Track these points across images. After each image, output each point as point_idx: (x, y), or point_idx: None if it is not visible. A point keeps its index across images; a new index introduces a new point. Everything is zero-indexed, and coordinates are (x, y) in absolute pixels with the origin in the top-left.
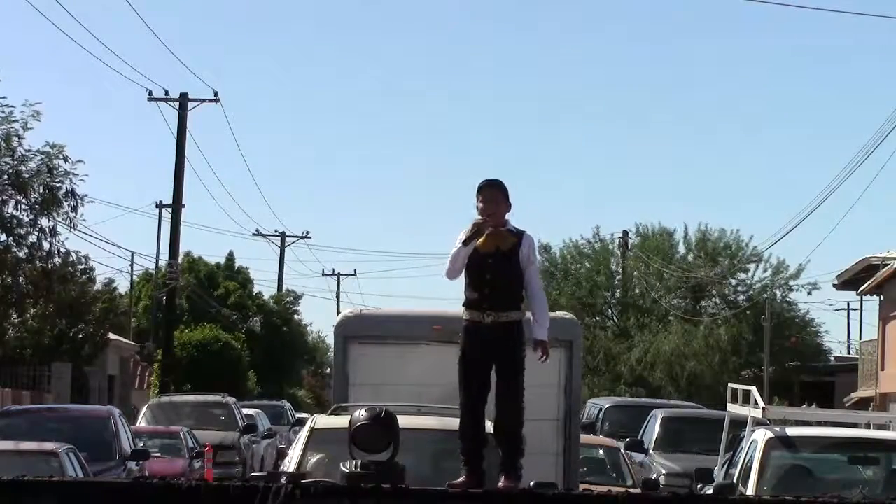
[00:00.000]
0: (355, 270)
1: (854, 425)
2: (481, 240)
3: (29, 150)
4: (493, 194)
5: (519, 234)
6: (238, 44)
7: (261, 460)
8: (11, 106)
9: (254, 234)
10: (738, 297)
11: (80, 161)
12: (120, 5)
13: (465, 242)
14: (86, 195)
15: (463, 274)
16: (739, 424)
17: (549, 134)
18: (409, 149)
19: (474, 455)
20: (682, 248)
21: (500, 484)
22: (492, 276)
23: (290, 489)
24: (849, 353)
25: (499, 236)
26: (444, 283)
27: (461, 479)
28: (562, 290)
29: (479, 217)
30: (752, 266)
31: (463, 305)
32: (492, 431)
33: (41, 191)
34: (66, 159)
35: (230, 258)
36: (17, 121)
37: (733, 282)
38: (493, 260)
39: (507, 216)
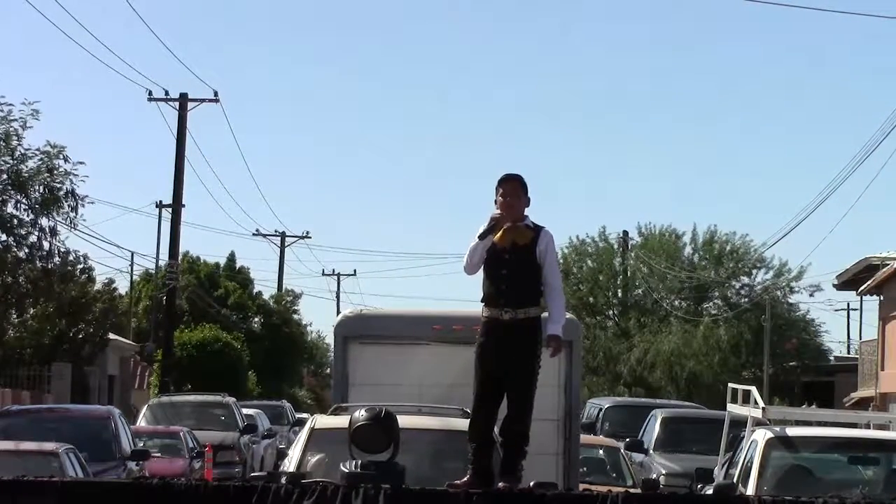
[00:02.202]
0: (355, 270)
1: (854, 425)
2: (498, 235)
3: (28, 150)
4: (514, 188)
5: (537, 230)
6: (238, 44)
7: (261, 460)
8: (10, 104)
9: (254, 234)
10: (740, 300)
11: (80, 162)
12: (120, 5)
13: (482, 236)
14: (86, 196)
15: (481, 270)
16: (739, 424)
17: (551, 133)
18: (409, 149)
19: (482, 455)
20: (688, 250)
21: (499, 484)
22: (508, 271)
23: (290, 489)
24: (849, 353)
25: (516, 231)
26: (444, 283)
27: (465, 479)
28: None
29: (497, 211)
30: (755, 270)
31: (481, 301)
32: (497, 430)
33: (41, 191)
34: (66, 160)
35: (231, 258)
36: (16, 120)
37: (736, 284)
38: (510, 255)
39: (526, 212)
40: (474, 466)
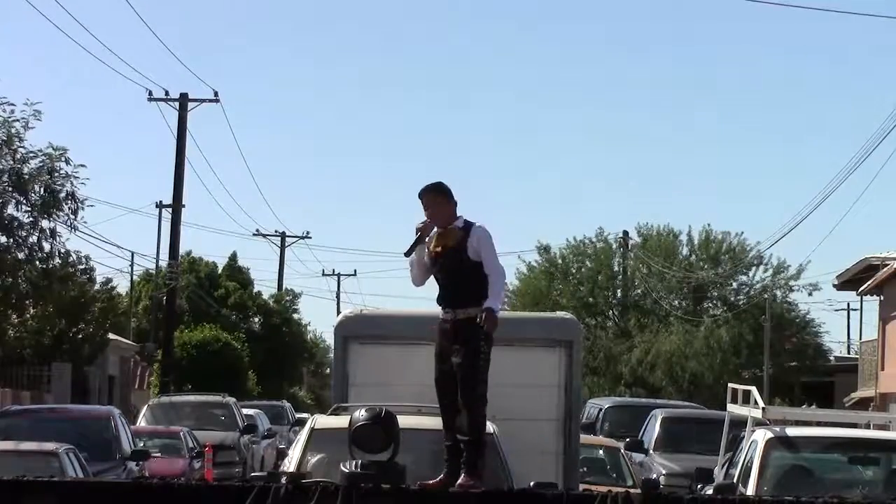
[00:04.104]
0: (355, 270)
1: (854, 425)
2: (432, 242)
3: (29, 152)
4: (431, 198)
5: (467, 228)
6: (238, 44)
7: (261, 460)
8: (12, 104)
9: (254, 234)
10: (738, 299)
11: (81, 165)
12: (120, 5)
13: (407, 253)
14: (86, 198)
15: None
16: (739, 424)
17: (551, 134)
18: (409, 149)
19: (452, 454)
20: (685, 250)
21: (459, 481)
22: (443, 274)
23: (289, 489)
24: (849, 353)
25: (446, 234)
26: None
27: (438, 479)
28: (563, 291)
29: (419, 222)
30: (753, 268)
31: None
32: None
33: (41, 192)
34: (67, 161)
35: (233, 258)
36: (17, 121)
37: (734, 284)
38: (444, 258)
39: (459, 213)
40: (447, 466)
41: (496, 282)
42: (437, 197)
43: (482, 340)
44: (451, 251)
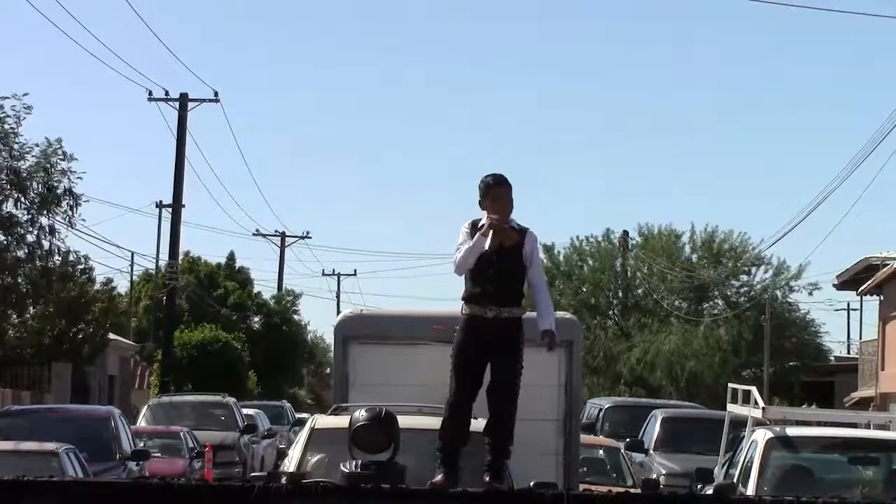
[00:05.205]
0: (355, 270)
1: (854, 425)
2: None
3: (24, 147)
4: (506, 191)
5: (522, 232)
6: (238, 44)
7: (261, 460)
8: (5, 97)
9: (254, 234)
10: (739, 298)
11: (74, 159)
12: (120, 5)
13: (490, 245)
14: (82, 195)
15: None
16: (739, 424)
17: (552, 134)
18: (409, 149)
19: (453, 454)
20: (687, 249)
21: (489, 485)
22: (494, 272)
23: (290, 489)
24: (849, 353)
25: (503, 233)
26: (444, 283)
27: (440, 478)
28: (563, 291)
29: (494, 215)
30: (754, 268)
31: (462, 300)
32: (480, 430)
33: (38, 189)
34: (64, 155)
35: (231, 258)
36: (10, 116)
37: (735, 283)
38: (497, 256)
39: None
40: (447, 466)
41: (547, 302)
42: (508, 192)
43: (522, 344)
44: (511, 251)
